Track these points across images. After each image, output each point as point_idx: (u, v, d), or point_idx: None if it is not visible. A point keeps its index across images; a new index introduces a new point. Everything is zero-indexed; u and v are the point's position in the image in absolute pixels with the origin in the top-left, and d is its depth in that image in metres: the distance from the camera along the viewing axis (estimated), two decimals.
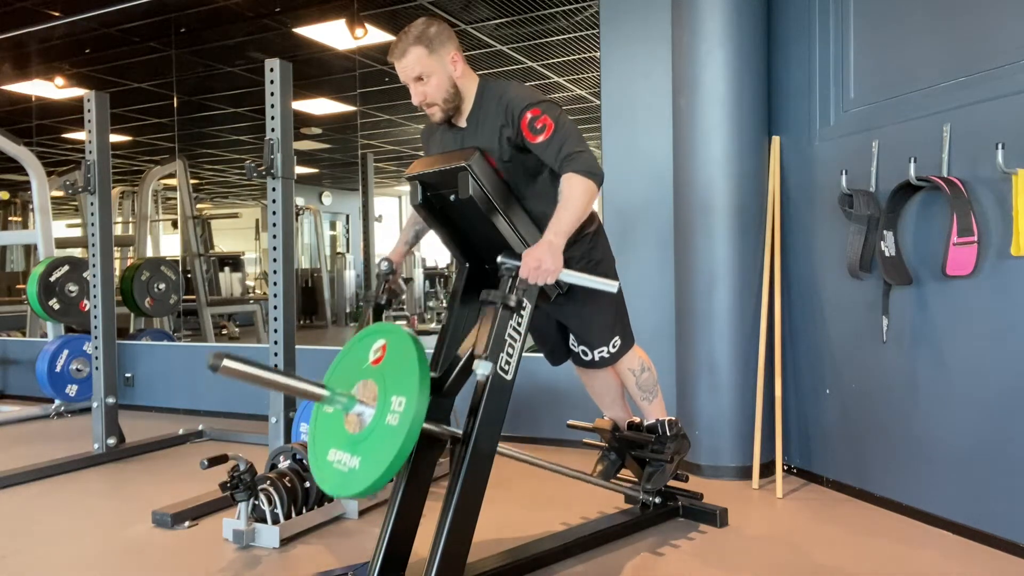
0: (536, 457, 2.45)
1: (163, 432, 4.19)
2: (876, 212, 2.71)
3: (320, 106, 8.68)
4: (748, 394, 3.19)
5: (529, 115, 2.10)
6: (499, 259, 2.04)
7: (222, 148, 10.47)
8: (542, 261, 1.98)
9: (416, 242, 2.57)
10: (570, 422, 2.93)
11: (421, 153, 2.47)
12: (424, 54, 2.12)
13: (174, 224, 8.03)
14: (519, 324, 2.02)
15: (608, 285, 2.12)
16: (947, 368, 2.55)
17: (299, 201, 11.01)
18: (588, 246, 2.33)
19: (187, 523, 2.78)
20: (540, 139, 2.09)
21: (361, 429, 1.83)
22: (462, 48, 2.21)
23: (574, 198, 2.06)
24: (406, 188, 2.35)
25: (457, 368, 2.11)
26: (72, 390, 4.88)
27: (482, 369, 1.92)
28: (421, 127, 2.31)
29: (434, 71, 2.14)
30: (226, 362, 1.65)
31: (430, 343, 2.21)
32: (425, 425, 1.82)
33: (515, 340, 2.01)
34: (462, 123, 2.24)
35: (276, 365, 3.08)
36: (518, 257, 2.02)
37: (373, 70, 6.82)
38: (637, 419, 2.70)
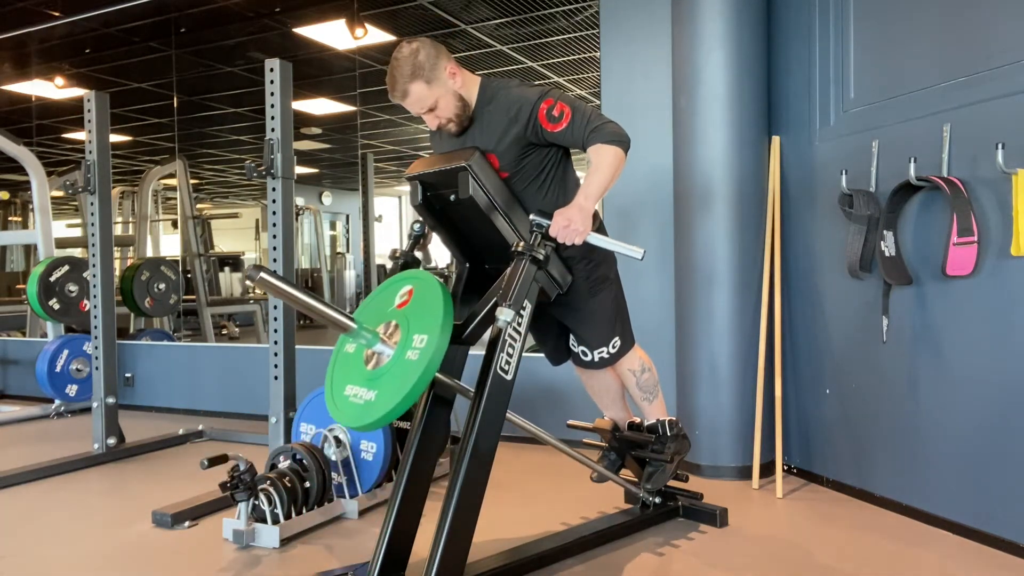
0: (544, 433, 2.44)
1: (163, 432, 4.19)
2: (876, 212, 2.71)
3: (320, 106, 8.68)
4: (748, 394, 3.19)
5: (544, 107, 2.12)
6: (531, 216, 2.06)
7: (222, 148, 10.47)
8: (572, 220, 2.03)
9: None
10: (570, 422, 2.93)
11: (421, 153, 2.48)
12: (424, 88, 2.11)
13: (174, 224, 8.03)
14: (519, 324, 2.02)
15: (633, 251, 2.11)
16: (947, 368, 2.55)
17: (299, 201, 11.01)
18: (588, 246, 2.32)
19: (187, 523, 2.78)
20: (562, 126, 2.12)
21: (379, 366, 1.87)
22: (457, 51, 2.20)
23: (604, 164, 2.10)
24: (406, 188, 2.36)
25: (478, 318, 2.11)
26: (72, 390, 4.88)
27: (504, 316, 1.93)
28: (421, 127, 2.32)
29: (440, 96, 2.14)
30: (263, 275, 1.76)
31: None
32: (438, 375, 1.86)
33: (515, 340, 2.01)
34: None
35: (276, 366, 3.08)
36: (549, 216, 2.05)
37: (373, 70, 6.83)
38: (637, 419, 2.70)
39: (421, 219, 2.43)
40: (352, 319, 1.91)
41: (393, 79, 2.12)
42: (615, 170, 2.12)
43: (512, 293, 1.95)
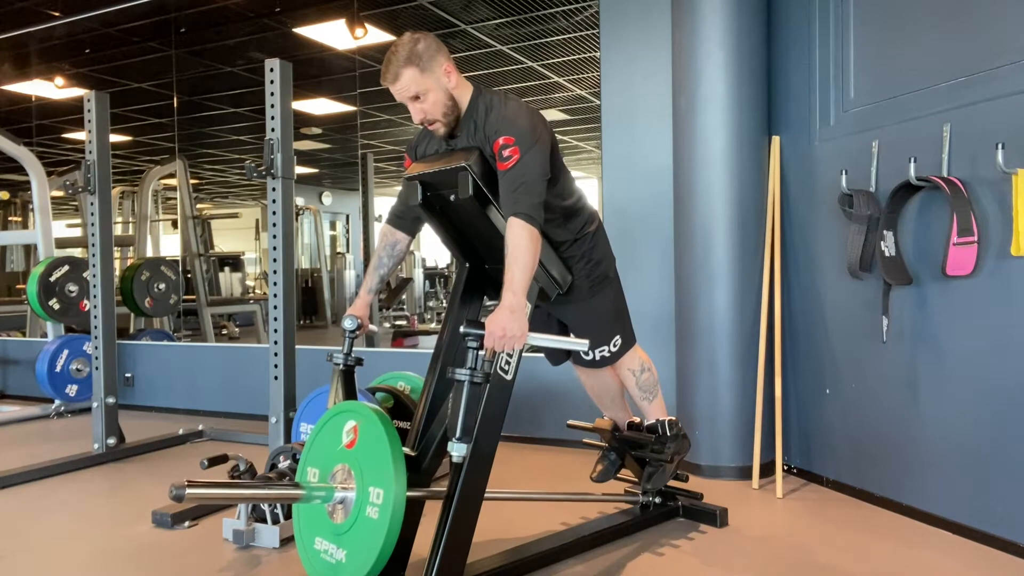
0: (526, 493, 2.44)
1: (163, 432, 4.19)
2: (876, 212, 2.71)
3: (320, 106, 8.68)
4: (748, 394, 3.19)
5: (502, 140, 2.04)
6: (462, 329, 1.92)
7: (222, 148, 10.47)
8: (506, 329, 1.90)
9: (386, 278, 2.49)
10: (570, 422, 2.93)
11: None
12: (417, 74, 2.08)
13: (174, 224, 8.03)
14: None
15: (578, 344, 2.10)
16: (947, 368, 2.55)
17: (299, 201, 11.01)
18: (588, 245, 2.33)
19: (187, 523, 2.78)
20: (502, 167, 2.04)
21: (345, 517, 1.89)
22: (458, 51, 2.19)
23: (519, 252, 1.95)
24: None
25: (433, 447, 2.10)
26: (72, 390, 4.88)
27: (456, 451, 1.88)
28: (421, 127, 2.30)
29: (430, 88, 2.10)
30: (189, 491, 1.76)
31: (430, 343, 2.21)
32: (409, 493, 1.85)
33: None
34: (458, 130, 2.22)
35: (276, 366, 3.08)
36: (481, 326, 1.91)
37: (373, 70, 6.82)
38: (637, 419, 2.70)
39: (353, 313, 2.33)
40: (298, 485, 1.92)
41: (388, 62, 2.10)
42: (532, 254, 1.97)
43: (459, 425, 1.87)
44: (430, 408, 2.20)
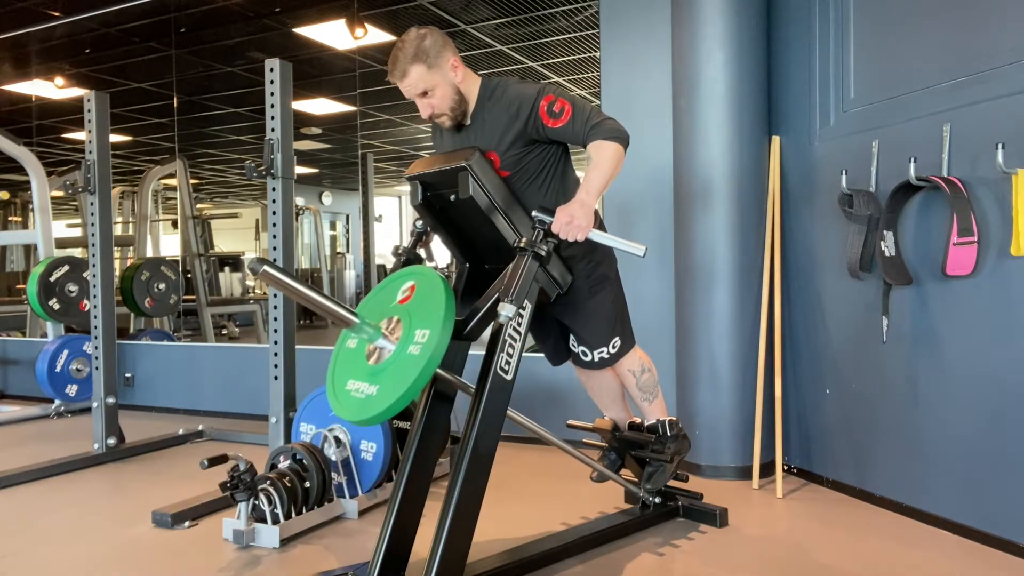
0: (545, 431, 2.43)
1: (163, 432, 4.19)
2: (876, 212, 2.71)
3: (320, 106, 8.68)
4: (748, 394, 3.19)
5: (544, 103, 2.12)
6: (534, 213, 2.05)
7: (222, 148, 10.47)
8: (574, 216, 2.02)
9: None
10: (570, 422, 2.93)
11: (421, 153, 2.48)
12: (424, 70, 2.10)
13: (174, 224, 8.03)
14: (520, 324, 2.02)
15: (635, 248, 2.10)
16: (947, 368, 2.55)
17: (299, 201, 11.00)
18: (589, 246, 2.32)
19: (187, 523, 2.78)
20: (562, 122, 2.13)
21: (381, 361, 1.86)
22: (458, 51, 2.20)
23: (604, 160, 2.10)
24: (406, 188, 2.35)
25: (479, 314, 2.11)
26: (72, 390, 4.88)
27: (505, 311, 1.93)
28: (421, 127, 2.33)
29: (437, 84, 2.13)
30: (265, 267, 1.76)
31: None
32: (439, 371, 1.85)
33: (515, 340, 2.01)
34: (467, 121, 2.24)
35: (276, 366, 3.08)
36: (552, 213, 2.04)
37: (373, 70, 6.83)
38: (637, 419, 2.70)
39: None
40: (354, 313, 1.90)
41: (395, 58, 2.12)
42: (615, 166, 2.12)
43: (514, 289, 1.95)
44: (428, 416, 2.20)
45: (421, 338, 1.81)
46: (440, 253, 2.60)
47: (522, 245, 2.02)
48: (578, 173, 2.37)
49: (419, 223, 2.45)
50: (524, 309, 2.02)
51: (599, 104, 3.75)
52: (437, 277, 1.94)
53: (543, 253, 2.01)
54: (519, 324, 2.02)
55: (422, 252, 2.47)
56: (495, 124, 2.18)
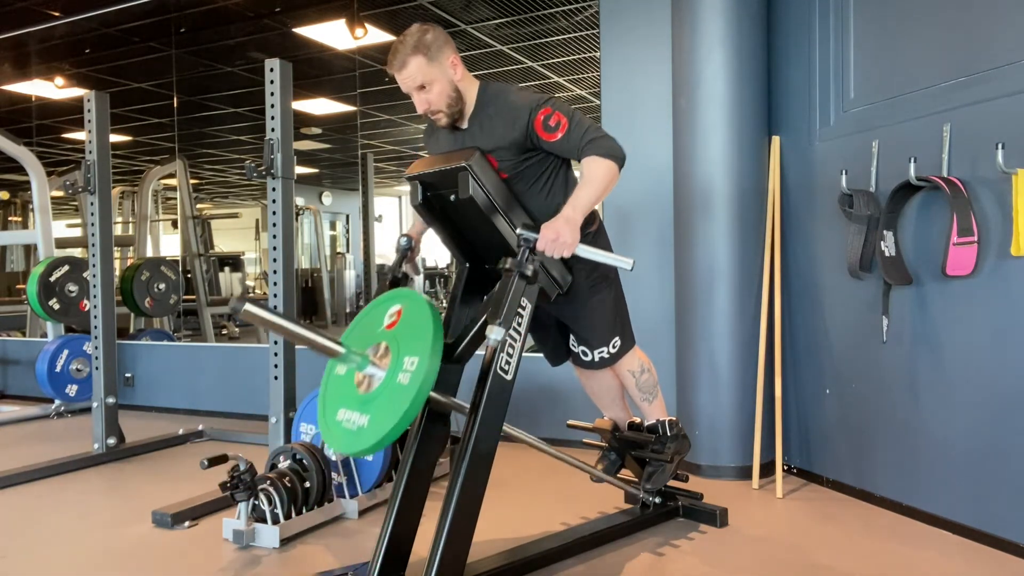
0: (543, 444, 2.43)
1: (163, 432, 4.19)
2: (876, 212, 2.71)
3: (320, 106, 8.68)
4: (748, 394, 3.19)
5: (541, 116, 2.11)
6: (518, 231, 2.04)
7: (222, 148, 10.47)
8: (560, 233, 2.01)
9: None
10: (570, 422, 2.93)
11: (421, 153, 2.47)
12: (424, 63, 2.11)
13: (174, 224, 8.03)
14: (519, 324, 2.02)
15: (623, 262, 2.10)
16: (947, 368, 2.55)
17: (299, 201, 11.00)
18: (588, 245, 2.32)
19: (187, 523, 2.78)
20: (558, 136, 2.12)
21: (371, 390, 1.84)
22: (459, 51, 2.21)
23: (596, 177, 2.09)
24: (406, 188, 2.35)
25: (469, 335, 2.11)
26: (72, 390, 4.88)
27: (495, 334, 1.92)
28: (421, 127, 2.32)
29: (436, 78, 2.13)
30: (247, 307, 1.73)
31: None
32: (432, 394, 1.83)
33: (515, 340, 2.01)
34: (464, 125, 2.24)
35: (276, 366, 3.08)
36: (536, 229, 2.03)
37: (373, 70, 6.83)
38: (637, 419, 2.70)
39: (408, 234, 2.43)
40: (340, 344, 1.87)
41: (395, 50, 2.13)
42: (607, 184, 2.11)
43: (502, 311, 1.94)
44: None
45: (410, 366, 1.78)
46: (441, 253, 2.59)
47: (507, 266, 2.00)
48: (577, 173, 2.38)
49: (403, 240, 2.41)
50: (524, 309, 2.02)
51: (599, 104, 3.75)
52: (424, 301, 1.91)
53: (528, 273, 2.00)
54: (519, 325, 2.02)
55: (408, 267, 2.43)
56: (492, 131, 2.17)
